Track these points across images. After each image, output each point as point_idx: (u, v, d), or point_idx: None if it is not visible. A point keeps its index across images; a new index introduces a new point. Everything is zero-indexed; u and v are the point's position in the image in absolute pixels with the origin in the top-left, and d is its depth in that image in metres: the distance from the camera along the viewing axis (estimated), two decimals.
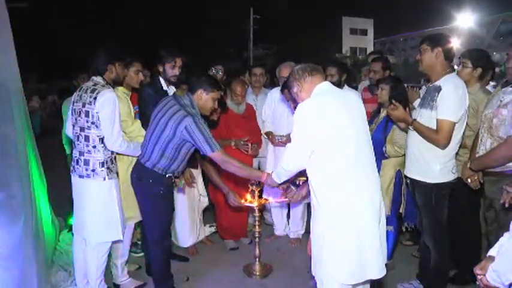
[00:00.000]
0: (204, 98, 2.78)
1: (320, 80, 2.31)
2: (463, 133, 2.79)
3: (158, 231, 2.88)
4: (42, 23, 20.96)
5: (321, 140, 2.12)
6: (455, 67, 3.63)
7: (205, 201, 4.12)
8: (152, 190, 2.77)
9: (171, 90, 3.40)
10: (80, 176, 2.84)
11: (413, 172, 2.88)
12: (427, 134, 2.70)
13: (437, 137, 2.65)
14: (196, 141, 2.61)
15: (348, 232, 2.11)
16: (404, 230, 3.77)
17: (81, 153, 2.83)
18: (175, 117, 2.62)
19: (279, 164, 2.47)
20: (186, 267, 3.64)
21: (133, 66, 3.22)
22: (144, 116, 3.22)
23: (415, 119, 2.79)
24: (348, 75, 4.07)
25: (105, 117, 2.74)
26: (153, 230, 2.90)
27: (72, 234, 3.13)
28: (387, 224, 3.37)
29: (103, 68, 2.86)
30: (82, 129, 2.80)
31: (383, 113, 3.40)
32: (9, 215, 2.47)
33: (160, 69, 3.34)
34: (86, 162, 2.80)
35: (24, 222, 2.58)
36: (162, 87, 3.36)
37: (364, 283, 2.26)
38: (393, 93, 3.29)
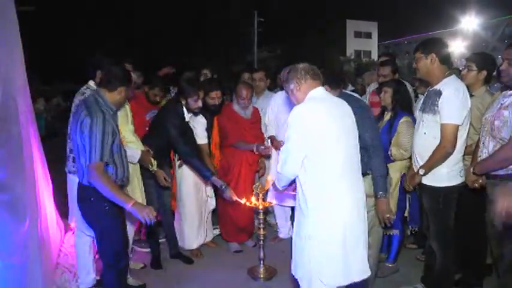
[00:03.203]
0: (125, 94, 2.61)
1: (318, 85, 2.36)
2: (467, 135, 2.77)
3: (112, 252, 2.59)
4: (48, 26, 21.10)
5: (314, 145, 2.18)
6: (460, 68, 3.61)
7: (212, 203, 4.14)
8: (96, 208, 2.52)
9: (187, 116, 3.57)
10: (69, 172, 3.00)
11: None
12: (436, 157, 2.67)
13: (442, 145, 2.62)
14: (84, 143, 2.38)
15: (335, 233, 2.18)
16: (409, 233, 3.76)
17: (71, 151, 2.97)
18: (79, 122, 2.43)
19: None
20: (190, 270, 3.65)
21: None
22: (155, 128, 3.51)
23: (417, 172, 2.77)
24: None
25: None
26: (106, 252, 2.61)
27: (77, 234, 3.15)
28: (392, 228, 3.38)
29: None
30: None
31: (387, 116, 3.40)
32: (14, 216, 2.49)
33: (183, 101, 3.49)
34: (75, 160, 2.80)
35: (29, 223, 2.60)
36: (184, 115, 3.53)
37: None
38: (396, 96, 3.30)
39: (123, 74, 2.60)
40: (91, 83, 3.04)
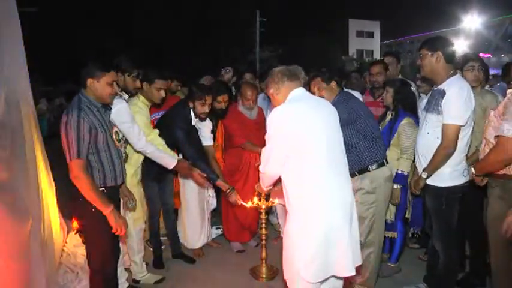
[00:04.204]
0: (97, 86, 2.45)
1: (297, 85, 2.36)
2: (471, 134, 2.75)
3: (99, 256, 2.53)
4: (50, 26, 21.15)
5: (295, 145, 2.16)
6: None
7: (213, 203, 4.15)
8: (84, 209, 2.45)
9: (194, 120, 3.56)
10: None
11: None
12: (437, 158, 2.65)
13: (443, 146, 2.61)
14: (63, 142, 2.37)
15: (316, 232, 2.12)
16: (411, 235, 3.75)
17: None
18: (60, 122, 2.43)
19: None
20: (193, 269, 3.66)
21: (155, 83, 3.29)
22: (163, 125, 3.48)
23: (421, 176, 2.74)
24: None
25: (121, 124, 2.82)
26: (93, 255, 2.55)
27: (80, 236, 3.17)
28: (391, 230, 3.37)
29: None
30: None
31: (388, 117, 3.38)
32: (17, 217, 2.49)
33: (191, 105, 3.47)
34: None
35: (32, 224, 2.61)
36: (191, 119, 3.51)
37: (332, 280, 2.30)
38: (397, 96, 3.27)
39: (89, 67, 2.47)
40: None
